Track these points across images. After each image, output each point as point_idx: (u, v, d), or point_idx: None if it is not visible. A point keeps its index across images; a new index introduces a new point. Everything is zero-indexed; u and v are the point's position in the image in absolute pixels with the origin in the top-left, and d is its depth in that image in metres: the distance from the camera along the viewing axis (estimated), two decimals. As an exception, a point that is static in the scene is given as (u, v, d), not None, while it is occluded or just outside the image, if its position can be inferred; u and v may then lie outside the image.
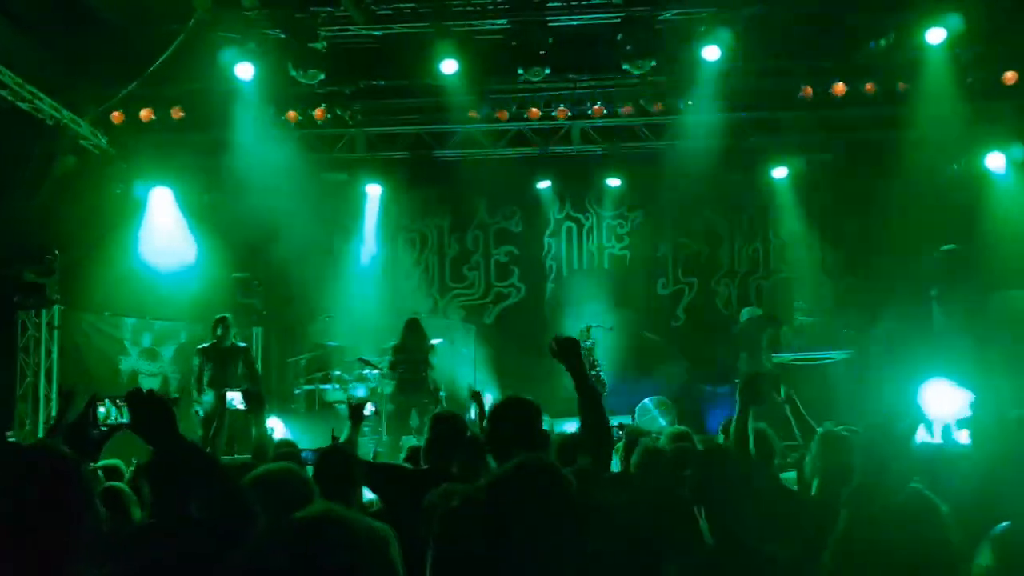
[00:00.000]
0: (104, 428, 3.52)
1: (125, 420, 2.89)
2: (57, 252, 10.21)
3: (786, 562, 2.97)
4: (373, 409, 5.61)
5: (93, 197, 11.09)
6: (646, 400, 11.99)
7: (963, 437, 2.95)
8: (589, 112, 11.45)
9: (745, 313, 11.54)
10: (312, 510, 2.27)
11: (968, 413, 2.51)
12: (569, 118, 11.53)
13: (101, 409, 3.62)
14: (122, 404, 3.74)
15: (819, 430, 4.18)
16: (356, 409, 5.16)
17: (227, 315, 10.08)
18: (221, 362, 9.74)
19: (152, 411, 2.31)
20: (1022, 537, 1.68)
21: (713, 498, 3.21)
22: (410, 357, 10.66)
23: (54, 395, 10.41)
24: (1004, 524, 1.70)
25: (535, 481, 1.98)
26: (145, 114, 10.96)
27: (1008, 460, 2.23)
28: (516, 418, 3.64)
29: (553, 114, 11.45)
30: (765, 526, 3.95)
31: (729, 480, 3.19)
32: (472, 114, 11.34)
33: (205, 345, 9.90)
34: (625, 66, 10.31)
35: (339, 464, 4.06)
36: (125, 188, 11.49)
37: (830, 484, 3.48)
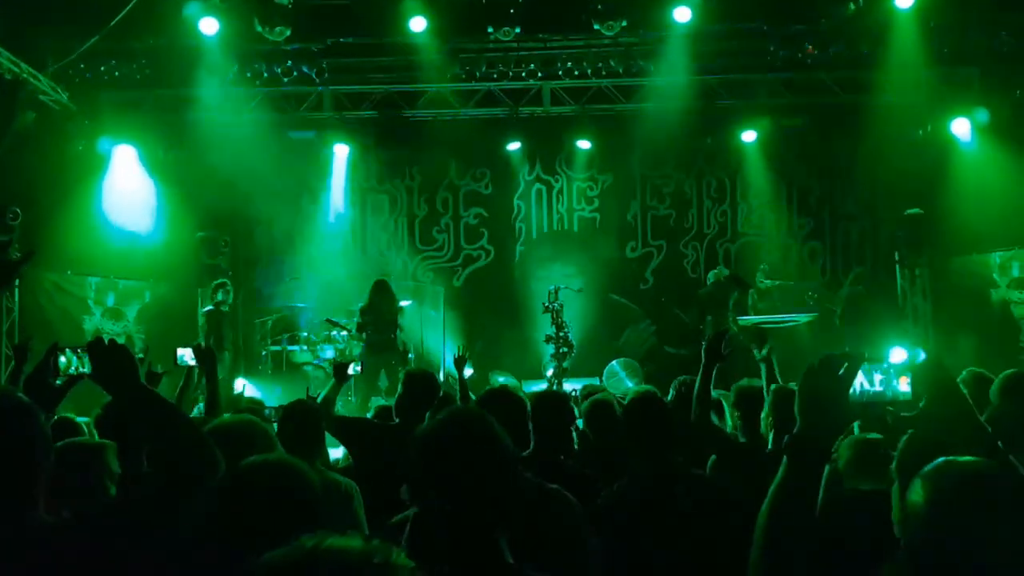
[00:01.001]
0: (65, 378, 3.48)
1: (86, 370, 2.86)
2: (18, 211, 10.03)
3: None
4: (359, 369, 5.65)
5: (54, 154, 10.88)
6: (613, 362, 12.11)
7: (903, 384, 3.01)
8: (560, 73, 11.38)
9: (712, 275, 11.62)
10: (263, 459, 2.29)
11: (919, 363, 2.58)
12: (539, 79, 11.46)
13: (62, 359, 3.58)
14: (83, 354, 3.71)
15: (772, 387, 4.27)
16: (340, 368, 5.20)
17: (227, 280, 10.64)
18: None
19: (114, 360, 2.29)
20: (952, 473, 1.72)
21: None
22: (378, 318, 10.63)
23: (15, 354, 10.28)
24: (936, 461, 1.75)
25: (459, 424, 2.07)
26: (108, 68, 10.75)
27: (947, 408, 2.28)
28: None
29: (523, 75, 11.37)
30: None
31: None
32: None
33: (211, 308, 10.36)
34: (596, 26, 10.27)
35: (303, 419, 4.07)
36: (87, 145, 11.28)
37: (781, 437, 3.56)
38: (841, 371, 1.80)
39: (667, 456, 3.48)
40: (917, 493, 1.70)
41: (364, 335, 10.75)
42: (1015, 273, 11.40)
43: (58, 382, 3.28)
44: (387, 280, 11.14)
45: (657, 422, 3.51)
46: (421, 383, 4.67)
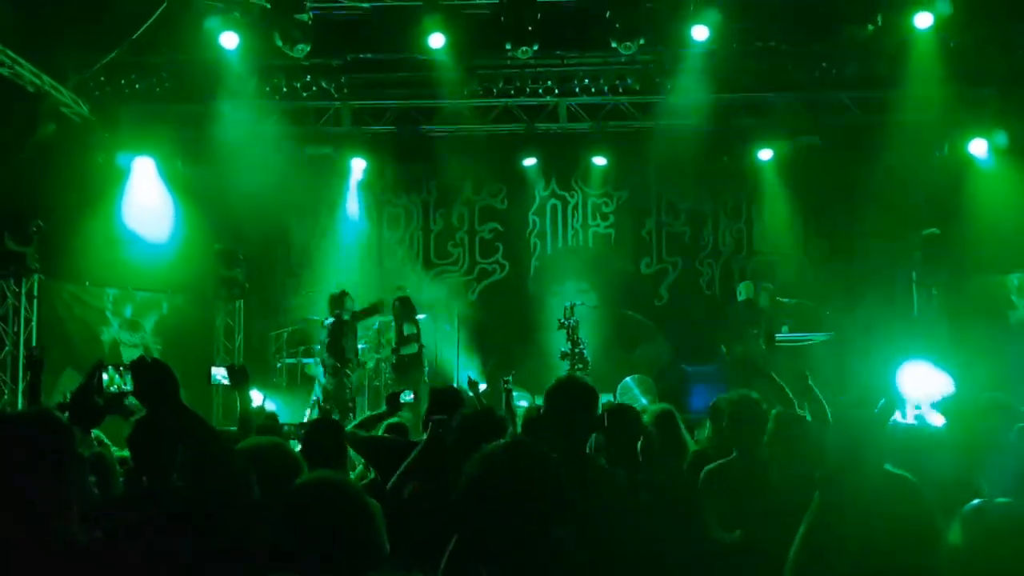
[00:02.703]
0: (108, 394, 3.50)
1: (128, 387, 2.90)
2: (41, 223, 10.10)
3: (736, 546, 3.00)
4: (411, 398, 5.66)
5: (74, 166, 10.96)
6: (627, 379, 12.07)
7: (937, 419, 2.99)
8: (576, 90, 11.42)
9: (742, 289, 11.51)
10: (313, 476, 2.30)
11: (942, 395, 2.55)
12: (556, 95, 11.49)
13: (104, 376, 3.60)
14: (126, 372, 3.73)
15: (773, 412, 4.21)
16: (393, 398, 5.30)
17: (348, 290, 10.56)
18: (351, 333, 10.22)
19: (156, 378, 2.33)
20: (991, 515, 1.71)
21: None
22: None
23: (34, 365, 10.34)
24: (974, 502, 1.74)
25: (519, 461, 1.99)
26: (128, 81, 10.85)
27: (981, 442, 2.27)
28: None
29: (540, 91, 11.41)
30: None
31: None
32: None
33: (332, 320, 10.19)
34: (613, 44, 10.29)
35: (326, 436, 4.09)
36: (107, 157, 11.37)
37: (786, 466, 3.56)
38: (876, 411, 1.79)
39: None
40: (956, 535, 1.70)
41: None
42: (1033, 294, 11.34)
43: (101, 398, 3.31)
44: (407, 295, 11.22)
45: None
46: (447, 399, 4.71)
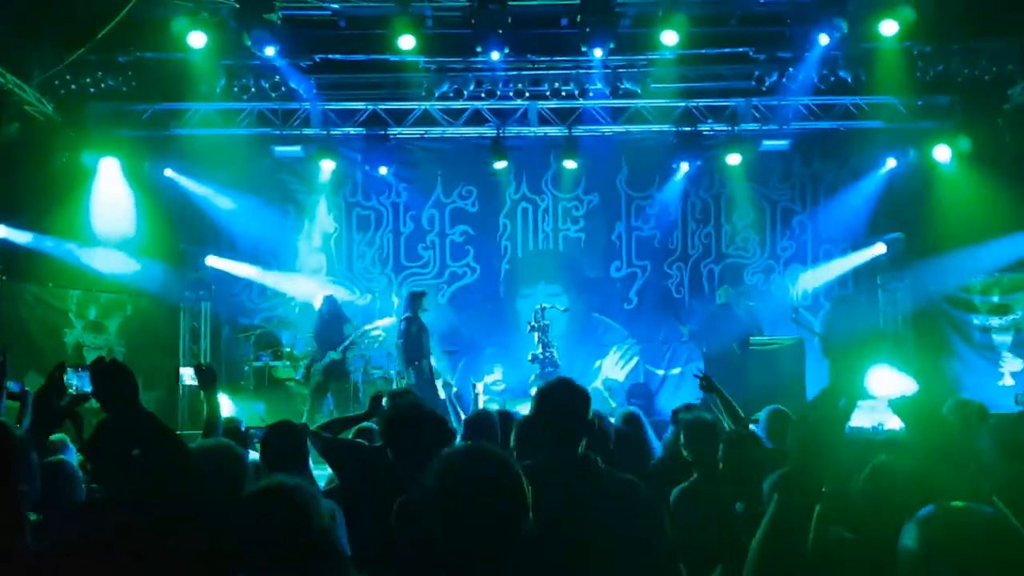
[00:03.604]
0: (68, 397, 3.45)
1: (87, 388, 2.86)
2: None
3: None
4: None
5: (38, 165, 10.82)
6: (596, 382, 12.15)
7: (895, 422, 3.03)
8: (547, 93, 11.45)
9: (720, 294, 11.61)
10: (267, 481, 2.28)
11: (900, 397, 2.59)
12: (526, 99, 11.51)
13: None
14: (83, 372, 3.67)
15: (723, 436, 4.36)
16: (376, 400, 5.24)
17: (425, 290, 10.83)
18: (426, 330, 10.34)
19: (115, 380, 2.31)
20: (947, 520, 1.74)
21: None
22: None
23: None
24: (929, 507, 1.76)
25: (480, 466, 1.98)
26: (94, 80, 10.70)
27: (939, 446, 2.30)
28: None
29: (511, 94, 11.42)
30: None
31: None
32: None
33: (410, 315, 10.26)
34: (584, 48, 10.33)
35: (286, 438, 4.06)
36: (72, 157, 11.21)
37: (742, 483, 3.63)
38: (836, 410, 1.81)
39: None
40: (911, 538, 1.71)
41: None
42: (995, 299, 11.53)
43: (63, 399, 3.26)
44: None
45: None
46: (404, 404, 4.68)
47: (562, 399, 3.05)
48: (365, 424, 5.32)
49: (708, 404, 6.23)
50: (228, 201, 12.20)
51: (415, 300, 10.40)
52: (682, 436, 4.54)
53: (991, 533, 1.68)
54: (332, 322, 10.86)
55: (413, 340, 10.15)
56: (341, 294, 12.07)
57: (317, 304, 11.39)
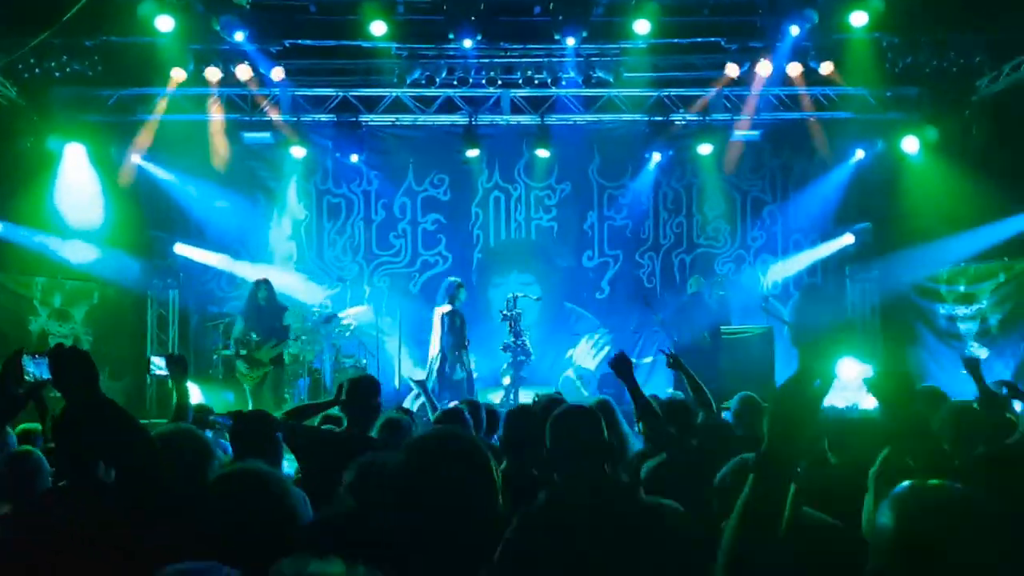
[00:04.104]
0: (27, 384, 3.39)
1: (45, 376, 2.82)
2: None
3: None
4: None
5: (2, 151, 10.62)
6: (569, 370, 12.18)
7: (869, 402, 3.06)
8: (520, 81, 11.42)
9: (692, 283, 11.66)
10: (233, 466, 2.26)
11: (875, 376, 2.62)
12: (499, 87, 11.47)
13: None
14: (40, 360, 3.60)
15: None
16: (341, 388, 5.18)
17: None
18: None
19: (75, 367, 2.27)
20: (921, 496, 1.75)
21: None
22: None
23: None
24: (904, 484, 1.77)
25: (449, 446, 1.98)
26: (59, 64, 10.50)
27: (911, 426, 2.32)
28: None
29: (483, 82, 11.38)
30: None
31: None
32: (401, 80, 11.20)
33: (452, 308, 10.16)
34: (556, 36, 10.32)
35: (255, 426, 4.02)
36: (36, 142, 10.99)
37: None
38: (811, 390, 1.81)
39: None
40: (886, 516, 1.72)
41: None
42: (961, 288, 11.69)
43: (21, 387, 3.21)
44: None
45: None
46: (366, 388, 4.67)
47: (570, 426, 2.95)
48: (332, 411, 5.28)
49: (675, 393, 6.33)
50: (197, 188, 12.05)
51: (455, 291, 10.29)
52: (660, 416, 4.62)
53: (965, 511, 1.69)
54: (272, 310, 10.00)
55: (458, 332, 10.17)
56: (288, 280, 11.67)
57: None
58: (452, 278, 10.68)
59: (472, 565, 1.87)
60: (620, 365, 4.50)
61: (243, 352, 9.77)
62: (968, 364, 4.80)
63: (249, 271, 12.24)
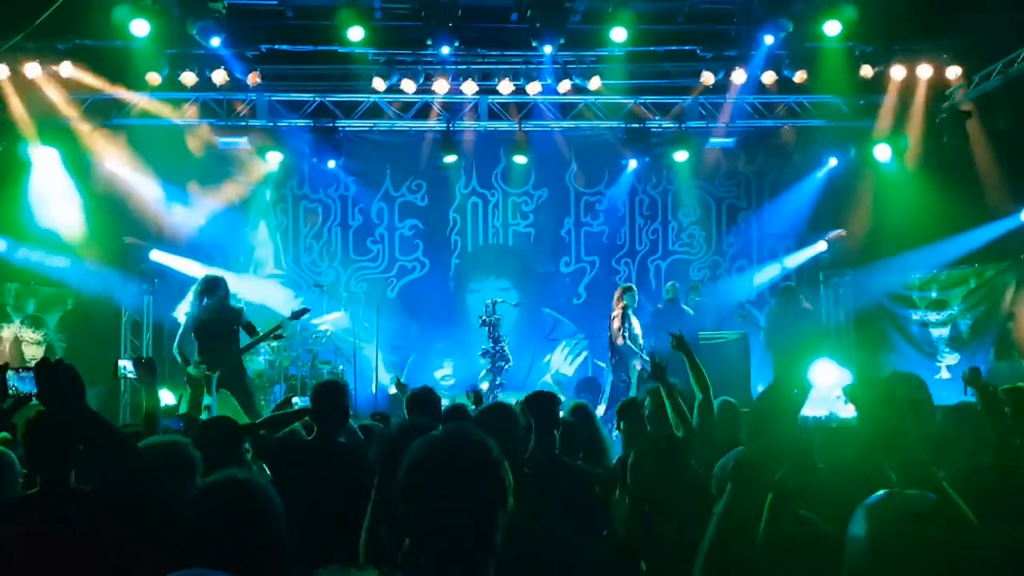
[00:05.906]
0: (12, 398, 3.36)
1: (26, 390, 2.82)
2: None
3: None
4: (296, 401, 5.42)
5: (-27, 155, 10.50)
6: (546, 376, 12.19)
7: (848, 411, 3.09)
8: (497, 88, 11.44)
9: (668, 289, 11.69)
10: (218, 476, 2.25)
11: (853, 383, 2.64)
12: (477, 93, 11.49)
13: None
14: (24, 375, 3.58)
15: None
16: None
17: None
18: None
19: (60, 380, 2.27)
20: (895, 507, 1.77)
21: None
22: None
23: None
24: (879, 493, 1.79)
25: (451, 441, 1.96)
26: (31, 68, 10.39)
27: (888, 434, 2.35)
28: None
29: (461, 88, 11.38)
30: None
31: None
32: (378, 84, 11.17)
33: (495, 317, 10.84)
34: (534, 43, 10.35)
35: (217, 436, 3.99)
36: (8, 147, 10.87)
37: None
38: (790, 398, 1.84)
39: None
40: (859, 526, 1.74)
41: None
42: (933, 295, 11.83)
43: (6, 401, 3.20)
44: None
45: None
46: (334, 392, 4.61)
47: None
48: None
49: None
50: (172, 193, 11.95)
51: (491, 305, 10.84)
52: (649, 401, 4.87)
53: (938, 521, 1.72)
54: (227, 312, 8.77)
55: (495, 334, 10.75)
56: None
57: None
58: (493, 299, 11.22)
59: (482, 561, 1.86)
60: (680, 344, 4.91)
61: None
62: (971, 374, 4.69)
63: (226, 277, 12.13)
